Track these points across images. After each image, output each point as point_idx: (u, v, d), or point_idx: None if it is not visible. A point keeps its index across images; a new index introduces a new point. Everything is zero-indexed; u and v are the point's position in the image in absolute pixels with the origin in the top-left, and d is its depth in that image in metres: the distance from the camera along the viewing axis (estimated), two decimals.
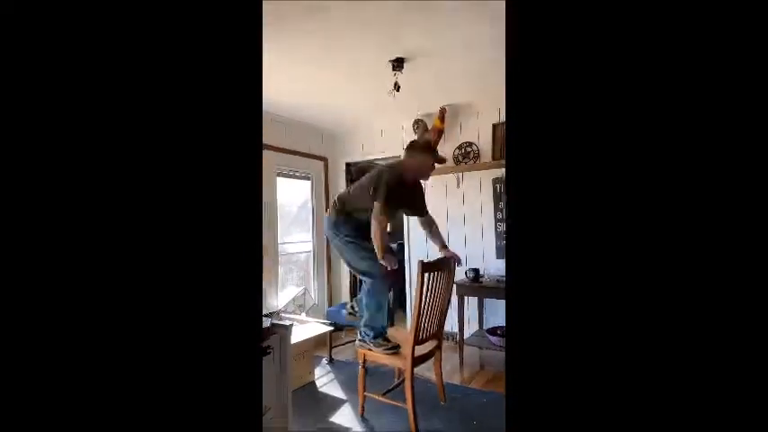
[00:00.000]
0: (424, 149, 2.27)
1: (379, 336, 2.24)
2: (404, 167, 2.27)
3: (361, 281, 2.38)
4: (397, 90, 2.47)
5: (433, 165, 2.27)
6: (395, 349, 2.17)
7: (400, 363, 2.14)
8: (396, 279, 2.38)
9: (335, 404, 2.48)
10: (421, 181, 2.43)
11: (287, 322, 1.74)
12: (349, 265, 2.36)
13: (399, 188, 2.20)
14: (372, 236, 2.14)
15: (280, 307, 3.43)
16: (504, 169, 3.23)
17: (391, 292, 2.42)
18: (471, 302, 3.35)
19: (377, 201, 2.13)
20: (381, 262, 2.13)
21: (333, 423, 2.26)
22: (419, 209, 2.51)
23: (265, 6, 1.74)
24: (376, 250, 2.14)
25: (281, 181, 3.60)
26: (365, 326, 2.28)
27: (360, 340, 2.29)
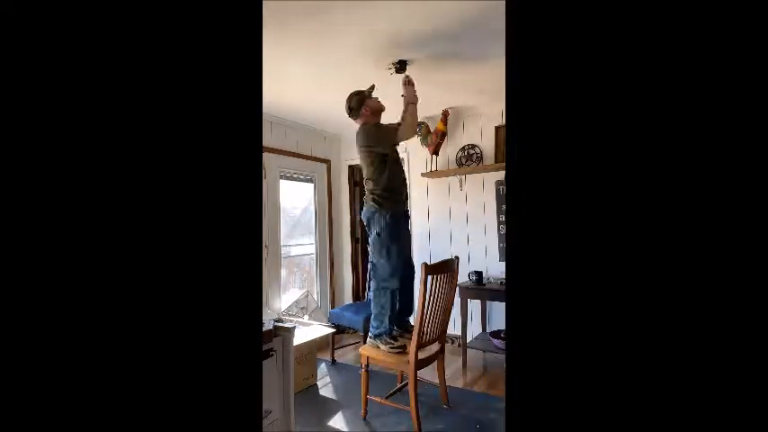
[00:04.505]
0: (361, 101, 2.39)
1: (386, 333, 2.25)
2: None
3: (371, 275, 2.44)
4: (399, 70, 2.43)
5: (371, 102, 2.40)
6: (399, 349, 2.17)
7: (403, 365, 2.13)
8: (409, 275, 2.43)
9: (338, 407, 2.47)
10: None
11: (289, 325, 1.73)
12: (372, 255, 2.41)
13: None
14: (412, 117, 2.32)
15: (282, 309, 3.43)
16: None
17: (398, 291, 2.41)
18: (475, 305, 3.34)
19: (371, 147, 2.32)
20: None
21: (335, 426, 2.25)
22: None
23: (265, 6, 1.75)
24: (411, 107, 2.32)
25: (283, 184, 3.60)
26: (374, 318, 2.32)
27: (369, 336, 2.34)
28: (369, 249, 2.46)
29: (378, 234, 2.29)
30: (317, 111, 3.36)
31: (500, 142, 3.32)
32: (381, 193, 2.29)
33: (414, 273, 2.44)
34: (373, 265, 2.38)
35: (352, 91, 2.39)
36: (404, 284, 2.35)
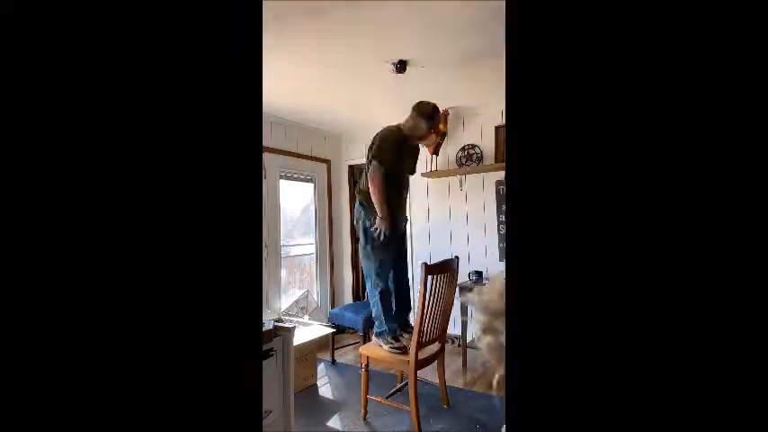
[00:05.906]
0: (427, 115, 2.27)
1: (386, 332, 2.26)
2: (405, 127, 2.32)
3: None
4: (399, 70, 2.44)
5: (429, 132, 2.31)
6: (400, 349, 2.17)
7: (403, 365, 2.13)
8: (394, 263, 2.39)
9: (338, 407, 2.47)
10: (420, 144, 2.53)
11: (289, 325, 1.74)
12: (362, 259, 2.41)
13: (399, 147, 2.25)
14: (372, 195, 2.17)
15: (282, 309, 3.43)
16: None
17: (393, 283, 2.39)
18: None
19: (373, 159, 2.20)
20: (378, 222, 2.16)
21: (335, 426, 2.25)
22: (413, 169, 2.55)
23: (265, 6, 1.75)
24: (377, 207, 2.15)
25: (284, 183, 3.60)
26: (374, 318, 2.35)
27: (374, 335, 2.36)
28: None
29: (363, 235, 2.31)
30: (317, 110, 3.36)
31: (500, 142, 3.32)
32: (366, 197, 2.30)
33: (405, 274, 2.45)
34: (363, 267, 2.40)
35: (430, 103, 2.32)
36: (395, 286, 2.35)
